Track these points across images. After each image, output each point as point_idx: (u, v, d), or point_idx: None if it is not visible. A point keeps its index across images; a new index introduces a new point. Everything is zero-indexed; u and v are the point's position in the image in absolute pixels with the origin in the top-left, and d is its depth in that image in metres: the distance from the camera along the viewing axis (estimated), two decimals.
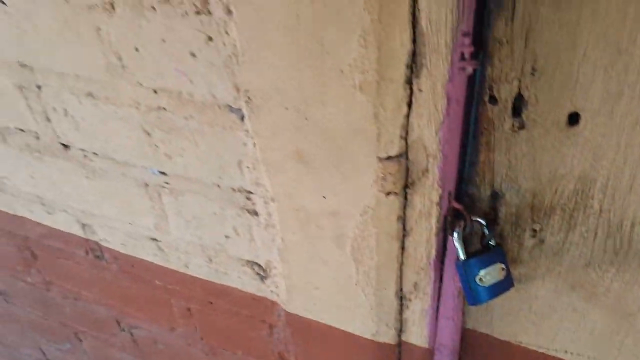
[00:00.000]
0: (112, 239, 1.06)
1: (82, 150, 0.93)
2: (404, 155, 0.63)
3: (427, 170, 0.63)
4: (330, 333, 0.88)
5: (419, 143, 0.61)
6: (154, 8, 0.68)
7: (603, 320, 0.72)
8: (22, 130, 0.99)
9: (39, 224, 1.16)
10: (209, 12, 0.65)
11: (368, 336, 0.84)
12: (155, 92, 0.77)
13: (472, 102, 0.62)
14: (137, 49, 0.73)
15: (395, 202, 0.66)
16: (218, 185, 0.83)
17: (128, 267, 1.09)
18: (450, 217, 0.68)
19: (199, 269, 0.99)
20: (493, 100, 0.61)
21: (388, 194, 0.65)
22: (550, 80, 0.58)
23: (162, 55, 0.72)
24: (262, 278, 0.92)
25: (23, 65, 0.87)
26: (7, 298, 1.55)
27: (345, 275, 0.78)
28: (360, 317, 0.82)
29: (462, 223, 0.68)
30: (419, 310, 0.78)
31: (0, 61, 0.89)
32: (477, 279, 0.66)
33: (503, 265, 0.68)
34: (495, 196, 0.68)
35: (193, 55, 0.69)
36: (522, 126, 0.62)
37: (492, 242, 0.69)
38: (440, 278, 0.74)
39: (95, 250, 1.12)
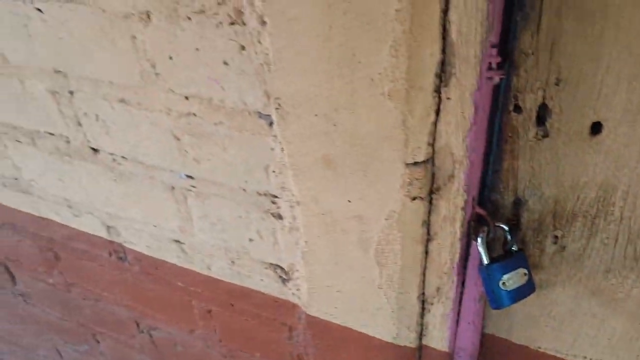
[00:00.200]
0: (137, 241, 1.08)
1: (111, 154, 0.96)
2: (430, 161, 0.65)
3: (453, 175, 0.65)
4: (350, 336, 0.90)
5: (445, 149, 0.63)
6: (189, 18, 0.71)
7: (623, 326, 0.74)
8: (52, 134, 1.02)
9: (64, 225, 1.19)
10: (243, 23, 0.67)
11: (388, 339, 0.85)
12: (186, 98, 0.79)
13: (495, 110, 0.65)
14: (171, 57, 0.76)
15: (420, 207, 0.68)
16: (244, 189, 0.85)
17: (151, 268, 1.12)
18: (473, 223, 0.70)
19: (221, 271, 1.01)
20: (518, 109, 0.64)
21: (414, 198, 0.67)
22: (574, 91, 0.60)
23: (195, 63, 0.74)
24: (284, 281, 0.94)
25: (57, 72, 0.91)
26: (27, 299, 1.58)
27: (368, 279, 0.79)
28: (382, 320, 0.83)
29: (485, 228, 0.69)
30: (440, 314, 0.79)
31: (35, 67, 0.93)
32: (500, 283, 0.68)
33: (525, 270, 0.70)
34: (518, 203, 0.70)
35: (225, 63, 0.72)
36: (545, 135, 0.64)
37: (514, 248, 0.71)
38: (462, 282, 0.76)
39: (119, 252, 1.14)
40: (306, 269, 0.86)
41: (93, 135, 0.96)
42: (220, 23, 0.69)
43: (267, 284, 0.97)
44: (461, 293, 0.77)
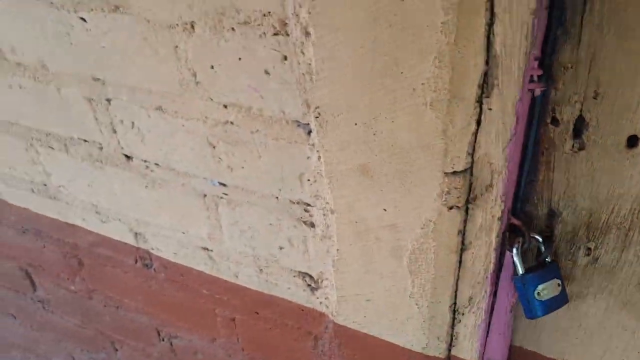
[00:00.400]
0: (164, 248, 1.10)
1: (145, 161, 0.98)
2: (468, 170, 0.66)
3: (491, 185, 0.66)
4: (378, 345, 0.90)
5: (484, 159, 0.65)
6: (233, 29, 0.73)
7: None
8: (85, 140, 1.04)
9: (90, 232, 1.20)
10: (287, 34, 0.70)
11: (418, 349, 0.86)
12: (225, 106, 0.81)
13: (531, 122, 0.66)
14: (212, 67, 0.78)
15: (457, 216, 0.69)
16: (276, 197, 0.87)
17: (177, 276, 1.13)
18: (508, 233, 0.71)
19: (248, 279, 1.02)
20: (555, 121, 0.65)
21: (451, 208, 0.69)
22: (612, 104, 0.62)
23: (236, 73, 0.77)
24: (313, 289, 0.94)
25: (96, 79, 0.93)
26: (46, 305, 1.59)
27: (399, 288, 0.80)
28: (412, 330, 0.84)
29: (520, 239, 0.70)
30: (471, 324, 0.80)
31: (74, 74, 0.95)
32: (535, 293, 0.69)
33: (559, 281, 0.71)
34: (552, 214, 0.71)
35: (267, 72, 0.74)
36: (582, 147, 0.65)
37: (547, 259, 0.72)
38: (494, 293, 0.76)
39: (145, 259, 1.16)
40: (336, 277, 0.86)
41: (127, 142, 0.98)
42: (264, 34, 0.71)
43: (293, 292, 0.98)
44: (492, 303, 0.78)
